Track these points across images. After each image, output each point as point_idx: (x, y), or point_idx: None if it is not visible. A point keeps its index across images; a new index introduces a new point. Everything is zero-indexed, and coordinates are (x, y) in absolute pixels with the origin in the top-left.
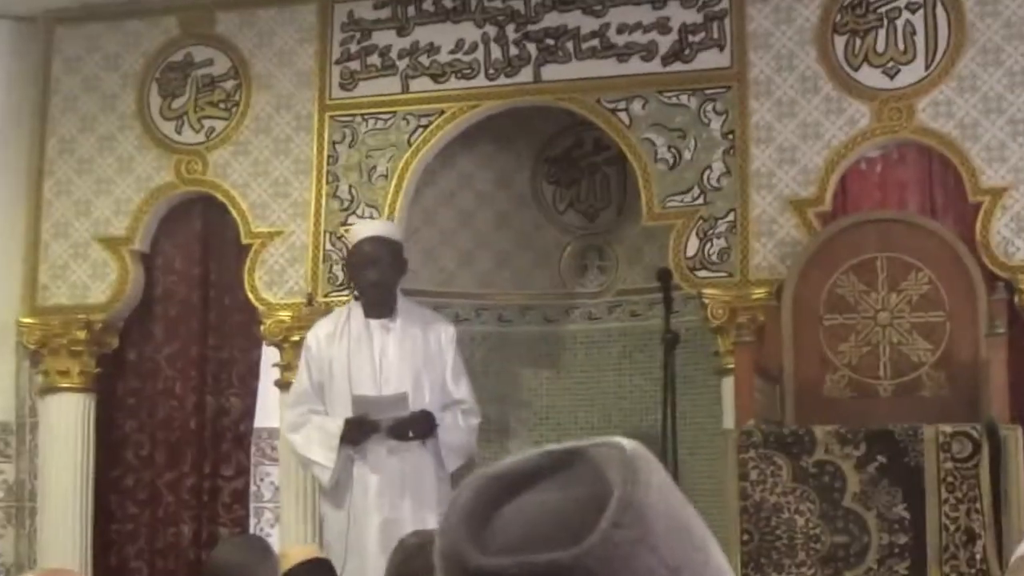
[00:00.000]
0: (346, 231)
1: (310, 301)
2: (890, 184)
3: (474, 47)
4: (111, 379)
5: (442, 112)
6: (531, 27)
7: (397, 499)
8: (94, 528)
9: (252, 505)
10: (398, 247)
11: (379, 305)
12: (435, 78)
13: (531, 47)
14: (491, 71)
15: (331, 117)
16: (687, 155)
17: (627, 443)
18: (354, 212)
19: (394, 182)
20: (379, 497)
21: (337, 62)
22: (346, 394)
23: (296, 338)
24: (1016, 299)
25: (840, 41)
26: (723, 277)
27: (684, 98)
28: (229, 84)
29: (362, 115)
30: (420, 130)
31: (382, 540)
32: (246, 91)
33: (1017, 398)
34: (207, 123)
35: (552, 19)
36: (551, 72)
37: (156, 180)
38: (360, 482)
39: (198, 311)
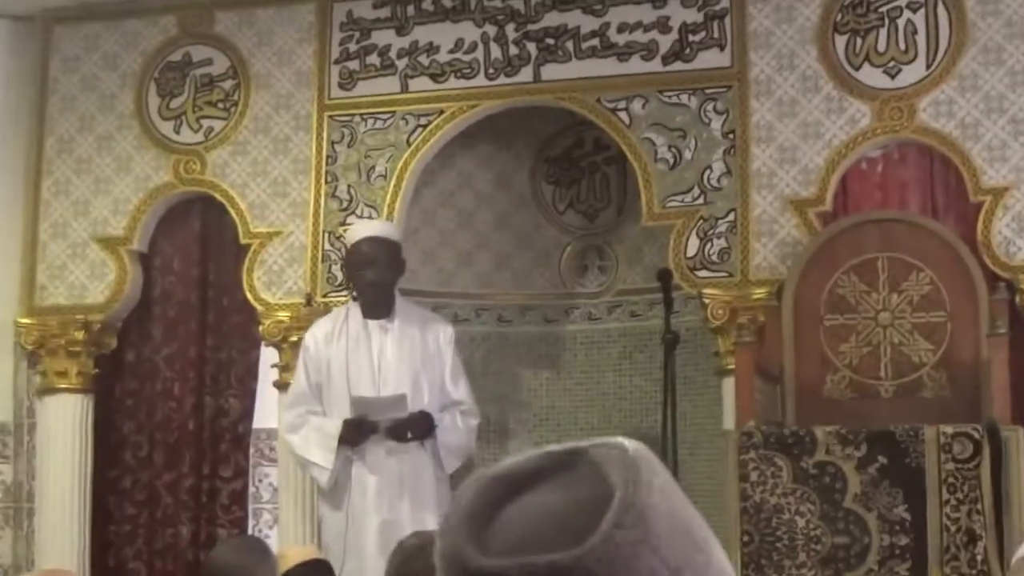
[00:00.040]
0: (345, 231)
1: (309, 301)
2: (891, 184)
3: (473, 47)
4: (109, 380)
5: (441, 112)
6: (531, 26)
7: (396, 500)
8: (92, 529)
9: (251, 506)
10: (396, 247)
11: (377, 306)
12: (434, 78)
13: (531, 46)
14: (491, 71)
15: (330, 117)
16: (687, 155)
17: (629, 444)
18: (353, 212)
19: (393, 182)
20: (378, 498)
21: (336, 62)
22: (344, 395)
23: (295, 338)
24: (1017, 299)
25: (841, 40)
26: (723, 277)
27: (684, 98)
28: (228, 84)
29: (361, 115)
30: (419, 130)
31: (381, 541)
32: (245, 91)
33: (1018, 399)
34: (206, 123)
35: (552, 18)
36: (551, 72)
37: (155, 180)
38: (359, 483)
39: (197, 311)
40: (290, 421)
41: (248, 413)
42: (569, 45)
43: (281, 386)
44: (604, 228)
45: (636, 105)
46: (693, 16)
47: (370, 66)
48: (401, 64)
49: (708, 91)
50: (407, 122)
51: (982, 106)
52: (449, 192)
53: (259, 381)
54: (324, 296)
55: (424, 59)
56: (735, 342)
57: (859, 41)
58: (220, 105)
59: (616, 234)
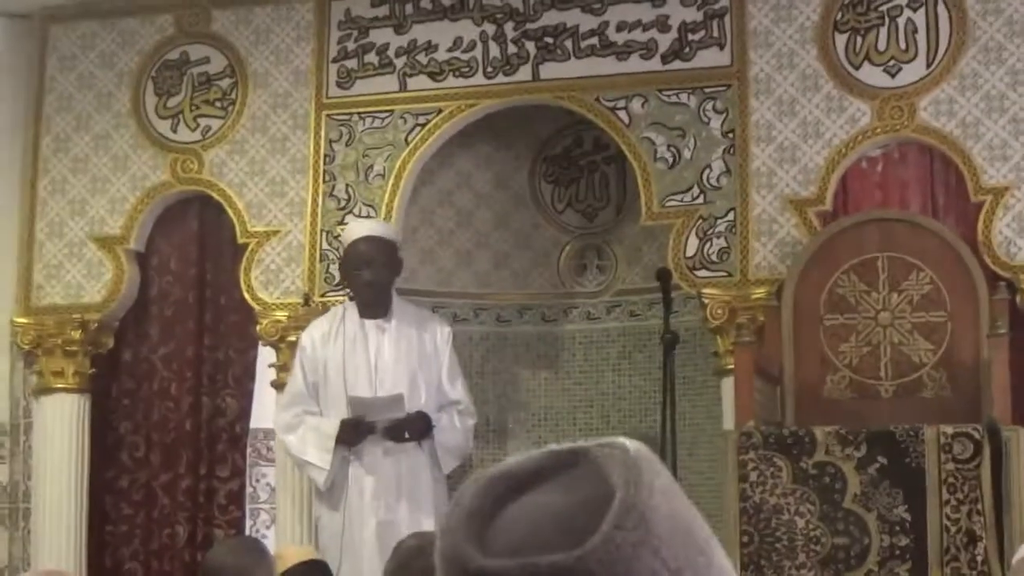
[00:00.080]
0: (343, 230)
1: (307, 301)
2: (891, 183)
3: (472, 45)
4: (106, 380)
5: (440, 111)
6: (530, 25)
7: (393, 501)
8: (89, 530)
9: (248, 506)
10: (393, 247)
11: (374, 305)
12: (433, 76)
13: (530, 45)
14: (489, 69)
15: (328, 116)
16: (687, 154)
17: (630, 444)
18: (351, 211)
19: (391, 181)
20: (375, 499)
21: (334, 60)
22: (341, 395)
23: (293, 338)
24: (1018, 299)
25: (841, 39)
26: (723, 277)
27: (684, 97)
28: (225, 82)
29: (359, 114)
30: (418, 129)
31: (378, 542)
32: (242, 89)
33: (1019, 399)
34: (203, 122)
35: (551, 17)
36: (550, 70)
37: (152, 179)
38: (356, 484)
39: (194, 311)
40: (287, 421)
41: (245, 413)
42: (568, 44)
43: (279, 386)
44: (603, 227)
45: (635, 104)
46: (692, 15)
47: (368, 65)
48: (399, 63)
49: (707, 90)
50: (405, 121)
51: (983, 105)
52: (448, 191)
53: (256, 381)
54: (322, 296)
55: (422, 58)
56: (734, 342)
57: (859, 40)
58: (217, 104)
59: (615, 233)
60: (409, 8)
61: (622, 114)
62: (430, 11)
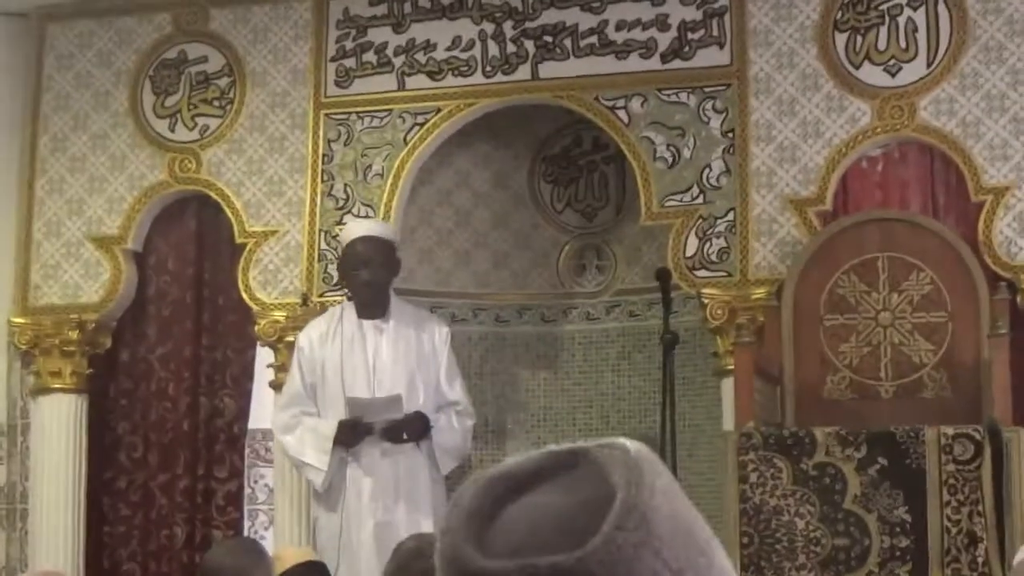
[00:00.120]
0: (341, 230)
1: (305, 301)
2: (891, 183)
3: (471, 44)
4: (104, 380)
5: (439, 110)
6: (529, 24)
7: (391, 502)
8: (86, 530)
9: (246, 507)
10: (391, 246)
11: (372, 306)
12: (432, 76)
13: (529, 44)
14: (488, 68)
15: (326, 115)
16: (686, 154)
17: (631, 444)
18: (349, 211)
19: (390, 181)
20: (372, 500)
21: (332, 59)
22: (339, 396)
23: (291, 338)
24: (1019, 299)
25: (841, 39)
26: (723, 277)
27: (683, 96)
28: (223, 81)
29: (358, 113)
30: (416, 128)
31: (376, 543)
32: (240, 88)
33: (1020, 399)
34: (201, 121)
35: (550, 16)
36: (549, 70)
37: (149, 179)
38: (353, 485)
39: (192, 311)
40: (285, 422)
41: (243, 413)
42: (567, 43)
43: (277, 386)
44: (602, 227)
45: (635, 103)
46: (692, 14)
47: (367, 64)
48: (398, 62)
49: (707, 89)
50: (404, 120)
51: (983, 105)
52: (446, 191)
53: (254, 381)
54: (320, 296)
55: (421, 57)
56: (734, 342)
57: (859, 39)
58: (215, 103)
59: (615, 233)
60: (408, 7)
61: (621, 113)
62: (429, 10)
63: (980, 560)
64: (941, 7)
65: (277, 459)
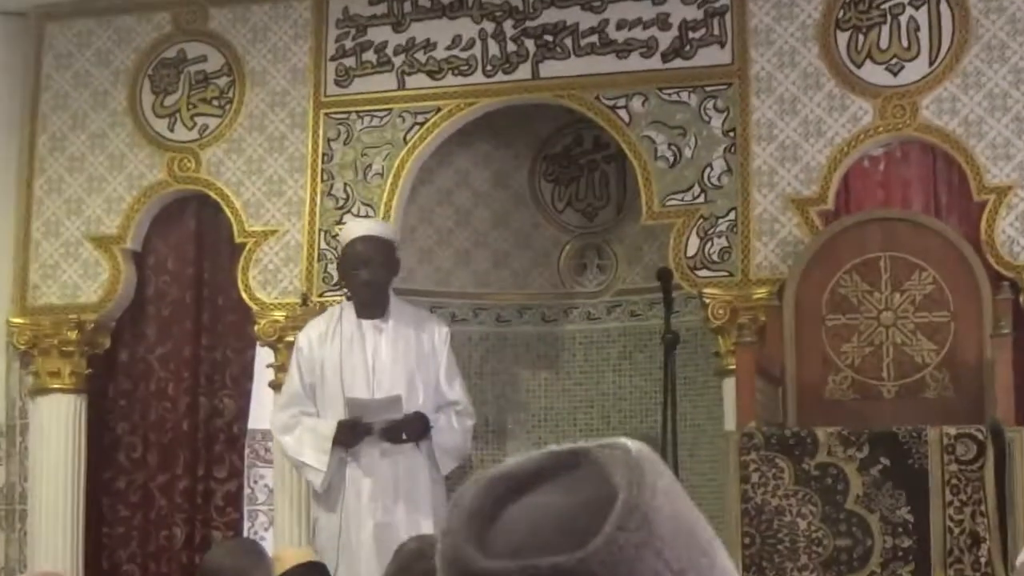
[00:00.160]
0: (341, 230)
1: (305, 301)
2: (893, 182)
3: (471, 43)
4: (103, 380)
5: (439, 109)
6: (529, 23)
7: (390, 503)
8: (85, 531)
9: (246, 508)
10: (390, 246)
11: (371, 305)
12: (432, 75)
13: (529, 43)
14: (488, 68)
15: (326, 114)
16: (687, 153)
17: (632, 444)
18: (349, 211)
19: (390, 180)
20: (372, 501)
21: (332, 58)
22: (338, 396)
23: (291, 338)
24: (1021, 299)
25: (843, 37)
26: (724, 277)
27: (684, 95)
28: (222, 81)
29: (357, 112)
30: (416, 127)
31: (375, 544)
32: (240, 88)
33: (1022, 399)
34: (200, 120)
35: (551, 15)
36: (549, 69)
37: (148, 178)
38: (353, 485)
39: (191, 311)
40: (284, 422)
41: (243, 414)
42: (568, 42)
43: (276, 386)
44: (603, 227)
45: (636, 103)
46: (693, 13)
47: (366, 63)
48: (398, 61)
49: (708, 88)
50: (404, 120)
51: (985, 104)
52: (447, 190)
53: (254, 381)
54: (320, 296)
55: (421, 56)
56: (736, 342)
57: (861, 38)
58: (215, 102)
59: (615, 233)
60: (407, 6)
61: (622, 113)
62: (429, 9)
63: (983, 560)
64: (943, 6)
65: (277, 459)
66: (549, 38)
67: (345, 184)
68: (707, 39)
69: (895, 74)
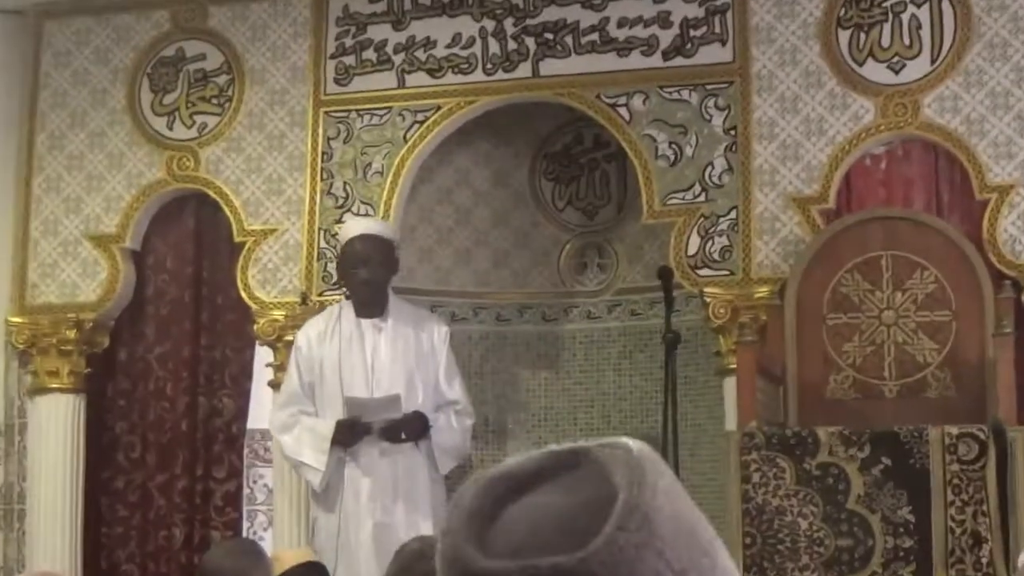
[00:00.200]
0: (340, 229)
1: (304, 300)
2: (895, 181)
3: (471, 41)
4: (101, 379)
5: (439, 108)
6: (529, 21)
7: (389, 502)
8: (84, 531)
9: (245, 508)
10: (390, 245)
11: (370, 304)
12: (432, 73)
13: (529, 41)
14: (489, 66)
15: (326, 113)
16: (688, 151)
17: (633, 444)
18: (349, 209)
19: (390, 179)
20: (371, 501)
21: (332, 57)
22: (337, 395)
23: (290, 338)
24: (1023, 298)
25: (844, 35)
26: (725, 276)
27: (685, 93)
28: (222, 79)
29: (357, 111)
30: (416, 126)
31: (374, 544)
32: (239, 86)
33: None
34: (199, 119)
35: (551, 13)
36: (550, 67)
37: (147, 177)
38: (352, 485)
39: (190, 310)
40: (283, 421)
41: (242, 413)
42: (568, 40)
43: (276, 386)
44: (604, 226)
45: (636, 101)
46: (694, 11)
47: (366, 61)
48: (398, 59)
49: (709, 87)
50: (404, 118)
51: (988, 102)
52: (447, 189)
53: (253, 381)
54: (320, 295)
55: (421, 54)
56: (737, 341)
57: (863, 36)
58: (214, 101)
59: (616, 232)
60: (407, 4)
61: (623, 111)
62: (429, 7)
63: (984, 561)
64: (945, 4)
65: (276, 459)
66: (549, 36)
67: (345, 183)
68: (708, 37)
69: (897, 72)
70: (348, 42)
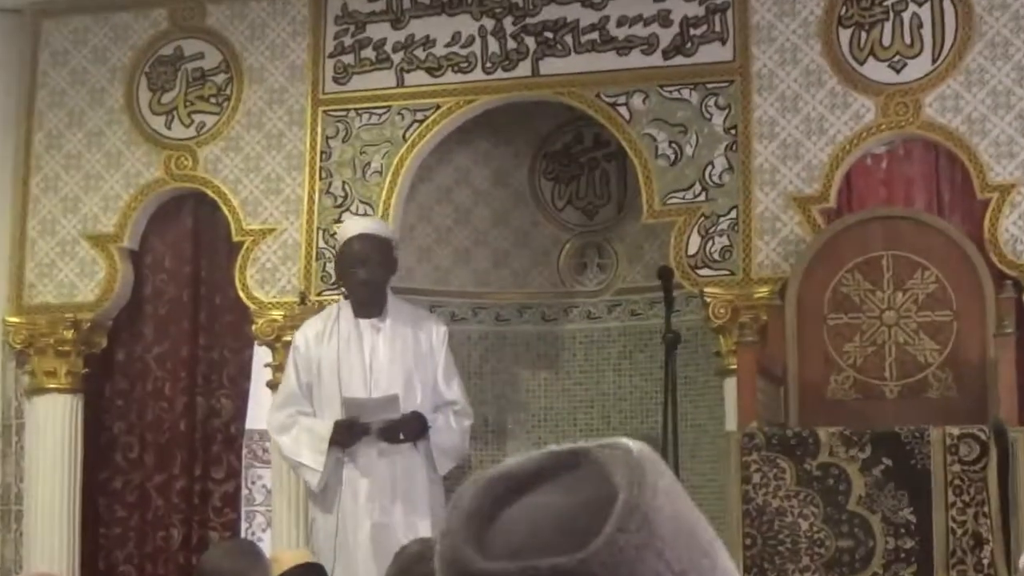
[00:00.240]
0: (339, 228)
1: (303, 300)
2: (896, 180)
3: (471, 40)
4: (99, 380)
5: (438, 107)
6: (529, 20)
7: (388, 503)
8: (82, 532)
9: (243, 508)
10: (388, 245)
11: (369, 304)
12: (431, 72)
13: (529, 40)
14: (488, 65)
15: (324, 112)
16: (688, 151)
17: (633, 444)
18: (348, 209)
19: (389, 178)
20: (369, 501)
21: (331, 55)
22: (335, 396)
23: (288, 338)
24: None
25: (845, 34)
26: (725, 276)
27: (685, 92)
28: (220, 78)
29: (356, 110)
30: (415, 125)
31: (372, 545)
32: (237, 85)
33: None
34: (197, 118)
35: (551, 11)
36: (549, 66)
37: (145, 176)
38: (350, 486)
39: (188, 310)
40: (280, 421)
41: (240, 413)
42: (568, 39)
43: (274, 386)
44: (604, 225)
45: (636, 100)
46: (694, 9)
47: (365, 60)
48: (397, 58)
49: (709, 86)
50: (403, 117)
51: (989, 101)
52: (446, 188)
53: (252, 381)
54: (318, 295)
55: (420, 53)
56: (737, 342)
57: (863, 35)
58: (212, 100)
59: (616, 231)
60: (407, 2)
61: (623, 110)
62: (428, 6)
63: (986, 562)
64: (946, 3)
65: (275, 460)
66: (549, 35)
67: (344, 182)
68: (708, 36)
69: (898, 71)
70: (347, 41)
